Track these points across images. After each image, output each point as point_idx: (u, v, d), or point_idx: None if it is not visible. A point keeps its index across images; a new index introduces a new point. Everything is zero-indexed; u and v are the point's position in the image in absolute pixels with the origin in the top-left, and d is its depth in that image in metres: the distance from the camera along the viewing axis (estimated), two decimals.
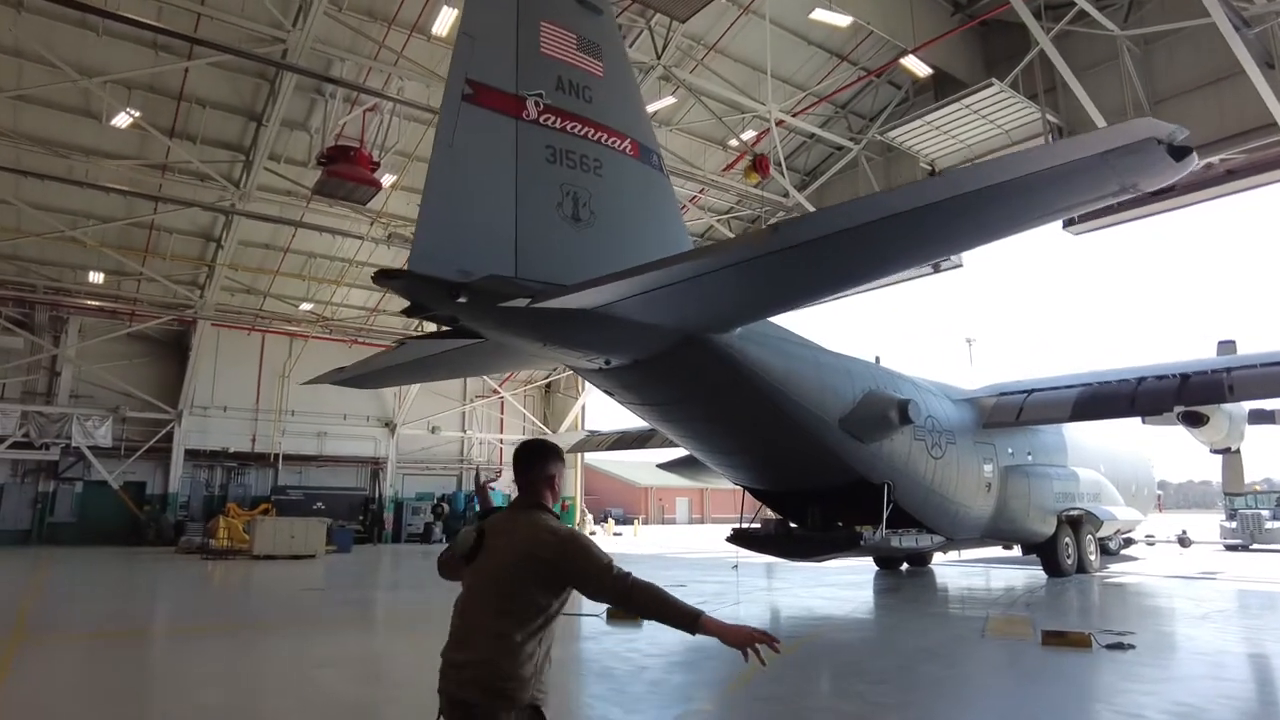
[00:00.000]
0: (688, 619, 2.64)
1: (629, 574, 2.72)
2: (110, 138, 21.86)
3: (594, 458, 68.24)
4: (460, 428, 37.40)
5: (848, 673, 7.01)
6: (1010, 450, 14.96)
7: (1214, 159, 17.12)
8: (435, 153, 8.56)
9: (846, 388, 11.82)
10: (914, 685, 6.43)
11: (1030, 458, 15.53)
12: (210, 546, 24.11)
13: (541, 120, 8.73)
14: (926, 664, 7.32)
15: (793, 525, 14.18)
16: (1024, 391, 14.76)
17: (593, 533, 46.85)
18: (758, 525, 13.78)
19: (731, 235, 29.24)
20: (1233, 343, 16.62)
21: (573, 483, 39.24)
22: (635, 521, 55.22)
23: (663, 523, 68.77)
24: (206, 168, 22.66)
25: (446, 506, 34.27)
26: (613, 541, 38.25)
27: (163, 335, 30.59)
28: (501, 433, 38.29)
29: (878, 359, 14.45)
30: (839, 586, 14.98)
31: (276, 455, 32.15)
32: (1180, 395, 12.84)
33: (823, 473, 12.30)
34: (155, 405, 29.64)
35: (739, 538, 13.52)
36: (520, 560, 2.71)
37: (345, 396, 33.63)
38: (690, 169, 24.20)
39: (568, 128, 8.99)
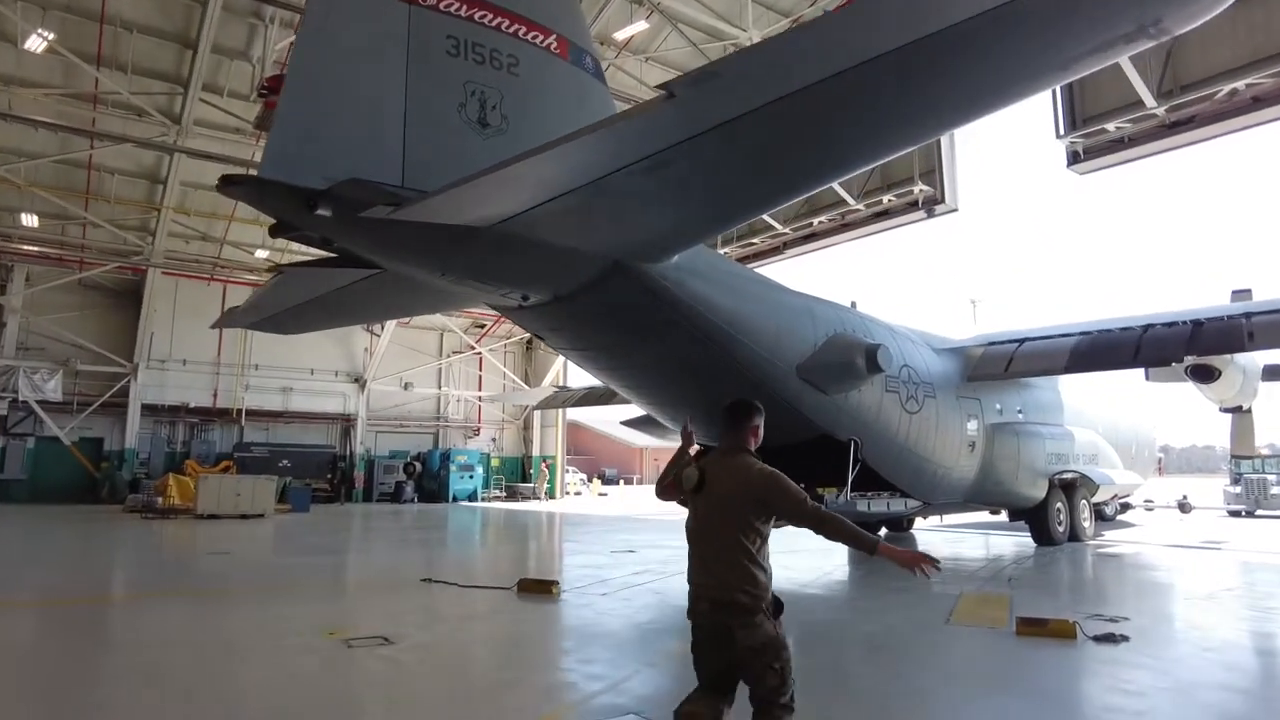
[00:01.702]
0: (868, 545, 3.26)
1: (820, 507, 3.36)
2: (29, 65, 20.04)
3: (589, 418, 67.33)
4: (436, 384, 36.01)
5: None
6: (998, 406, 13.44)
7: (1239, 84, 15.27)
8: (302, 38, 7.04)
9: (807, 331, 10.28)
10: (829, 697, 4.99)
11: (1021, 415, 14.02)
12: (158, 505, 22.87)
13: (442, 6, 7.23)
14: (863, 663, 5.91)
15: None
16: (1015, 341, 13.20)
17: (578, 493, 45.81)
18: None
19: None
20: (1248, 291, 14.98)
21: (554, 441, 37.93)
22: (621, 482, 54.07)
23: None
24: (140, 100, 20.90)
25: (419, 465, 33.08)
26: (593, 502, 37.08)
27: (116, 285, 29.05)
28: (480, 390, 36.91)
29: (853, 304, 12.89)
30: (806, 554, 13.61)
31: (240, 411, 30.79)
32: (1192, 344, 11.28)
33: (780, 428, 10.78)
34: (109, 358, 28.23)
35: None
36: (739, 494, 3.34)
37: (312, 351, 32.31)
38: None
39: (476, 16, 7.51)
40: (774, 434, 10.62)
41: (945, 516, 16.75)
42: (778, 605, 3.31)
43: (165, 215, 25.45)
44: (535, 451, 37.97)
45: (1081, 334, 12.54)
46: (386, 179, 6.58)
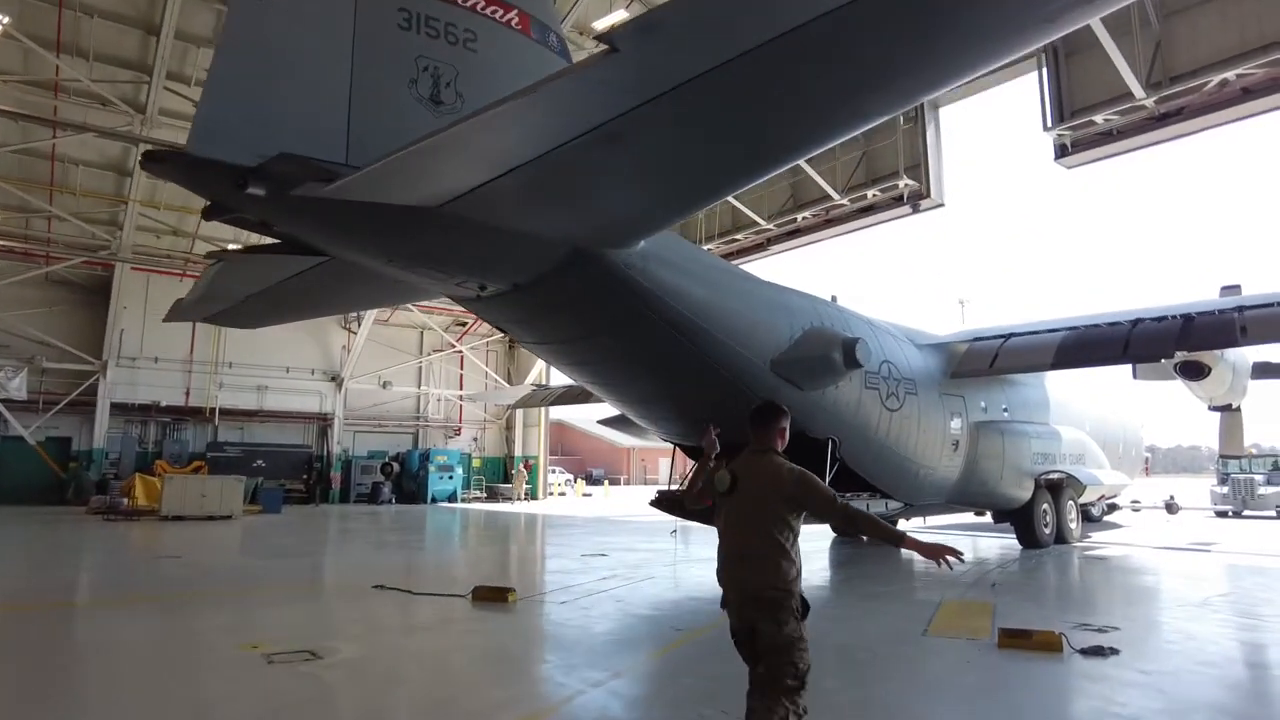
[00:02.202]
0: (895, 538, 3.47)
1: (848, 504, 3.58)
2: None
3: (576, 418, 66.65)
4: (416, 383, 35.36)
5: (710, 690, 5.07)
6: (983, 404, 12.99)
7: (1229, 74, 14.92)
8: (235, 4, 6.51)
9: (782, 324, 9.79)
10: None
11: (1006, 413, 13.58)
12: (122, 507, 22.17)
13: None
14: (830, 677, 5.40)
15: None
16: (1000, 336, 12.75)
17: (562, 494, 45.22)
18: (683, 488, 11.81)
19: None
20: (1238, 287, 14.61)
21: (536, 441, 37.35)
22: (606, 483, 53.51)
23: (645, 483, 67.32)
24: (103, 88, 20.22)
25: (396, 466, 32.40)
26: (576, 503, 36.50)
27: (85, 281, 28.27)
28: (461, 389, 36.28)
29: (833, 298, 12.42)
30: None
31: (213, 410, 30.05)
32: (1182, 339, 10.85)
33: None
34: (77, 356, 27.43)
35: (663, 502, 11.59)
36: (771, 492, 3.48)
37: (287, 348, 31.65)
38: None
39: None
40: (743, 431, 10.18)
41: (929, 518, 16.30)
42: (804, 606, 3.43)
43: (133, 209, 24.75)
44: (518, 452, 37.36)
45: (1069, 329, 12.11)
46: (329, 158, 6.09)
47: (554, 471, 53.37)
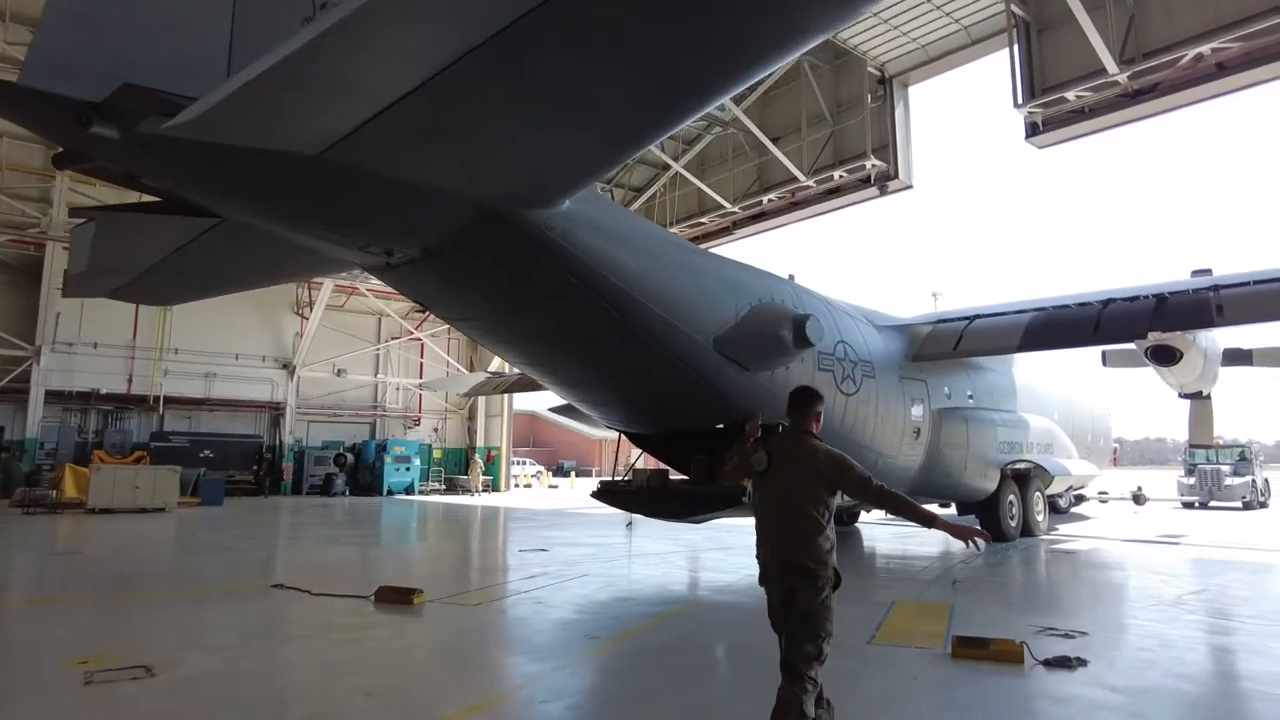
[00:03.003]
0: (925, 518, 3.66)
1: (883, 486, 3.70)
2: None
3: (548, 409, 65.64)
4: (373, 371, 34.19)
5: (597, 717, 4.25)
6: (946, 390, 12.29)
7: (1204, 48, 14.32)
8: None
9: (727, 299, 8.96)
10: None
11: (971, 400, 12.90)
12: (49, 500, 20.88)
13: None
14: (751, 700, 4.59)
15: (680, 478, 11.55)
16: (965, 318, 12.05)
17: (528, 486, 44.25)
18: (628, 478, 10.99)
19: (666, 155, 26.07)
20: (1208, 271, 14.02)
21: (499, 432, 36.35)
22: (573, 474, 52.67)
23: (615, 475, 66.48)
24: (19, 51, 18.82)
25: (350, 457, 31.23)
26: (539, 495, 35.53)
27: (15, 261, 26.74)
28: (421, 377, 35.14)
29: (791, 277, 11.63)
30: (740, 551, 12.37)
31: (157, 398, 28.68)
32: (1156, 319, 10.22)
33: (700, 410, 9.53)
34: (7, 340, 25.95)
35: (606, 493, 10.76)
36: (809, 472, 3.63)
37: (236, 334, 30.40)
38: None
39: None
40: (690, 416, 9.29)
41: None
42: (837, 578, 3.61)
43: (62, 184, 23.35)
44: (480, 442, 36.33)
45: (1037, 310, 11.44)
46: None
47: (524, 463, 52.51)
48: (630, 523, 15.22)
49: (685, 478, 11.06)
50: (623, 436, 11.50)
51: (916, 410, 11.38)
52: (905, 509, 3.68)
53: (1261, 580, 9.36)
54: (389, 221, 6.81)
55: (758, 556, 3.76)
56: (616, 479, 11.27)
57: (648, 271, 8.15)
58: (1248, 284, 10.05)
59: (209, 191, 6.27)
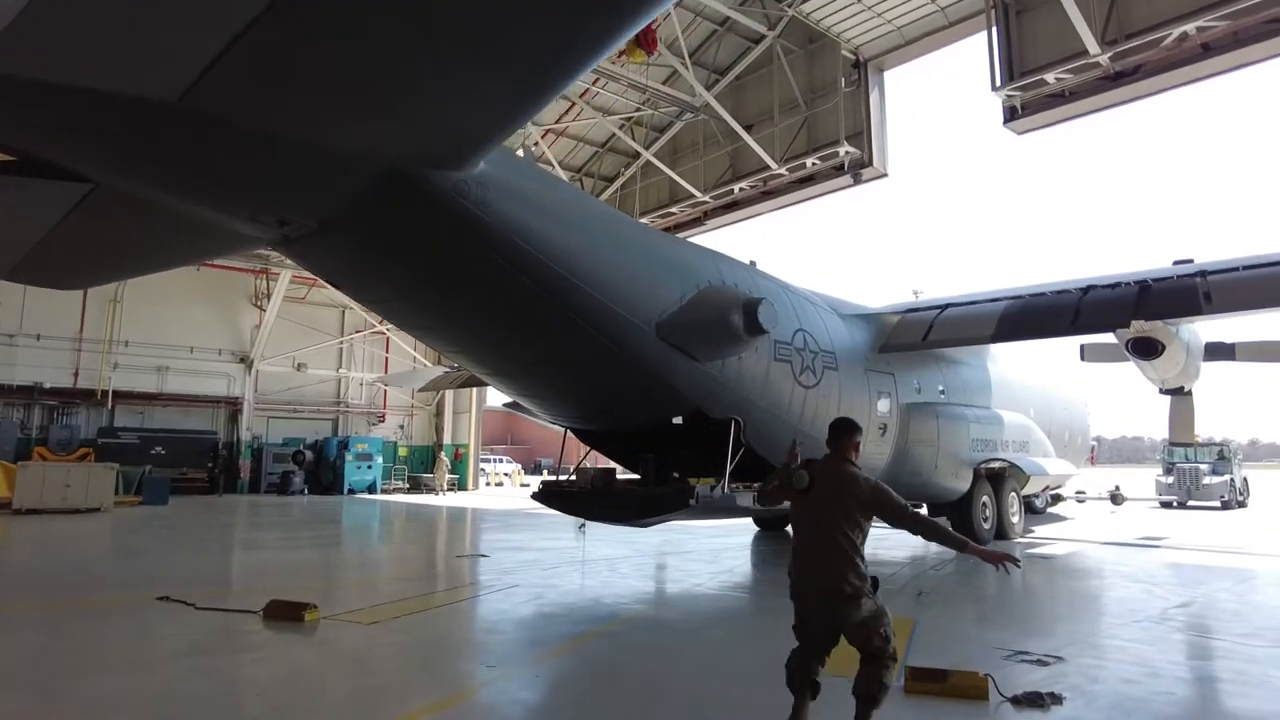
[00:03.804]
0: (957, 544, 3.85)
1: (919, 513, 3.98)
2: None
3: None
4: (336, 366, 33.07)
5: None
6: (916, 384, 11.52)
7: (1189, 27, 13.64)
8: None
9: (672, 280, 8.11)
10: None
11: (943, 394, 12.14)
12: None
13: None
14: None
15: (632, 477, 10.72)
16: (937, 307, 11.28)
17: (499, 484, 43.22)
18: (572, 478, 10.11)
19: (636, 143, 25.21)
20: (1190, 261, 13.40)
21: (467, 429, 35.33)
22: (545, 472, 51.72)
23: None
24: None
25: (309, 454, 30.12)
26: (507, 494, 34.54)
27: None
28: (386, 372, 34.02)
29: (753, 263, 10.80)
30: (695, 556, 11.56)
31: (106, 393, 27.43)
32: (1140, 308, 9.49)
33: (645, 404, 8.68)
34: None
35: (547, 495, 9.88)
36: (848, 498, 3.83)
37: (191, 327, 29.25)
38: None
39: None
40: (636, 411, 8.42)
41: None
42: (874, 582, 3.85)
43: None
44: (447, 439, 35.31)
45: (1012, 298, 10.69)
46: None
47: (501, 461, 51.34)
48: (583, 525, 14.33)
49: (636, 477, 10.23)
50: (570, 433, 10.62)
51: (883, 405, 10.59)
52: (939, 535, 3.84)
53: (1249, 590, 8.65)
54: (274, 186, 5.90)
55: (790, 573, 3.94)
56: (560, 479, 10.39)
57: (580, 247, 7.28)
58: (1236, 269, 9.35)
59: (57, 144, 5.34)
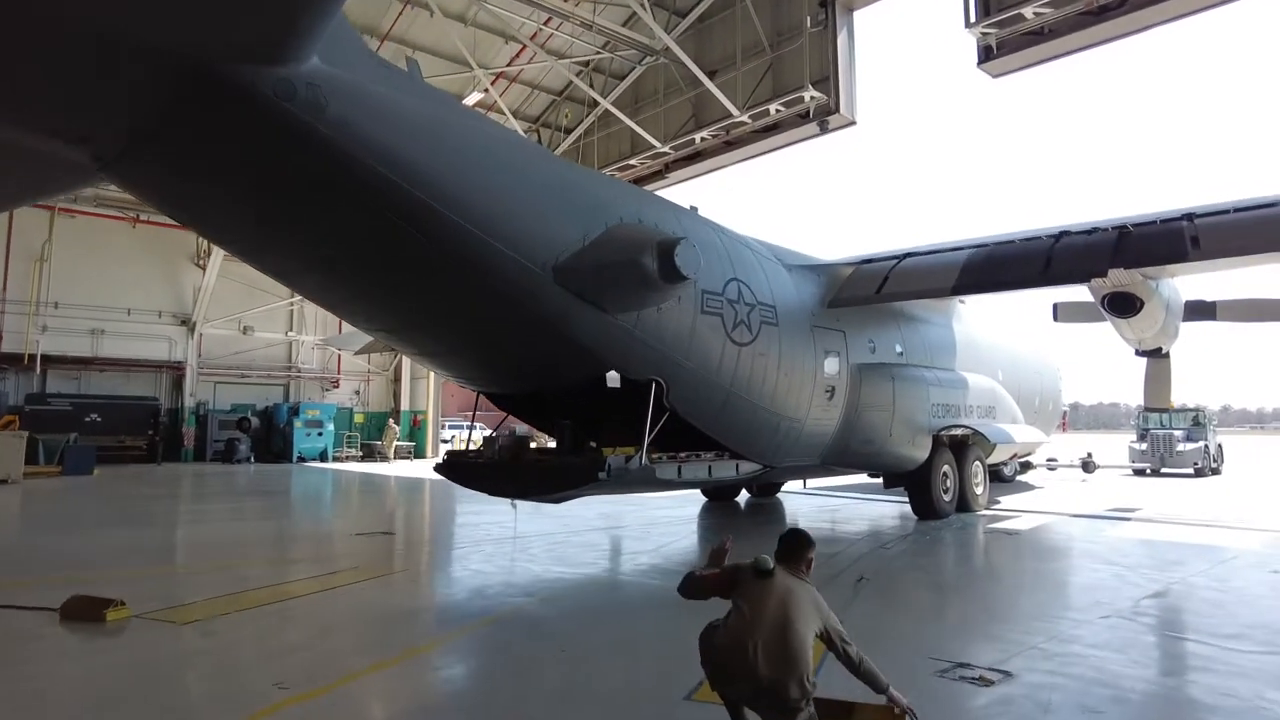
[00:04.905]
0: (881, 686, 3.34)
1: (859, 652, 3.38)
2: None
3: None
4: (286, 329, 31.58)
5: None
6: (870, 342, 10.40)
7: None
8: None
9: (572, 217, 6.87)
10: None
11: (901, 355, 11.04)
12: None
13: None
14: None
15: (549, 446, 9.63)
16: (895, 257, 10.13)
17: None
18: (480, 449, 8.95)
19: (595, 92, 23.68)
20: None
21: (425, 394, 34.03)
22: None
23: None
24: None
25: (255, 420, 28.80)
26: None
27: None
28: (341, 335, 32.53)
29: (694, 209, 9.56)
30: (626, 532, 10.51)
31: (34, 357, 25.83)
32: (1119, 254, 8.39)
33: (551, 362, 7.50)
34: None
35: (449, 467, 8.72)
36: (808, 604, 3.35)
37: (127, 287, 27.69)
38: None
39: None
40: (543, 370, 7.12)
41: (809, 480, 13.88)
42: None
43: None
44: (405, 406, 34.03)
45: (977, 246, 9.56)
46: None
47: (476, 428, 49.82)
48: (515, 502, 13.25)
49: (551, 447, 9.11)
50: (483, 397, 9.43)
51: (831, 365, 9.47)
52: (867, 676, 3.34)
53: (1229, 574, 7.69)
54: (60, 88, 4.67)
55: (711, 654, 3.34)
56: (469, 450, 9.23)
57: (451, 169, 6.01)
58: (1228, 212, 8.25)
59: None
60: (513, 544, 9.37)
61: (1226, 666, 4.62)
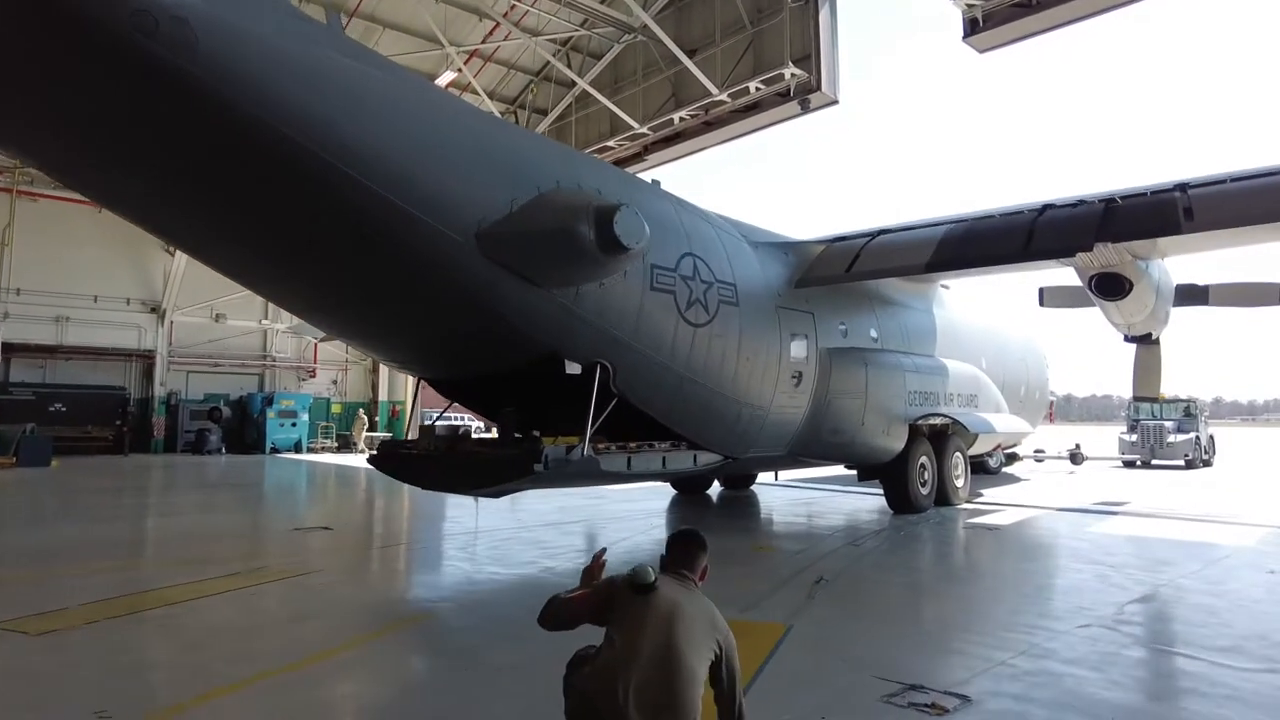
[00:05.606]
0: None
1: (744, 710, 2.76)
2: None
3: None
4: (260, 317, 30.79)
5: None
6: (841, 325, 9.75)
7: None
8: None
9: (498, 180, 6.18)
10: None
11: (875, 339, 10.39)
12: None
13: None
14: None
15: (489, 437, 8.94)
16: (868, 235, 9.47)
17: None
18: (414, 440, 8.27)
19: (573, 72, 22.92)
20: None
21: (403, 385, 33.26)
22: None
23: None
24: None
25: (226, 410, 28.07)
26: None
27: None
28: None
29: (656, 183, 8.90)
30: (575, 531, 9.87)
31: None
32: (1106, 227, 7.75)
33: (480, 342, 6.83)
34: None
35: (383, 459, 8.04)
36: (702, 624, 2.70)
37: (94, 274, 26.90)
38: None
39: None
40: (472, 352, 6.34)
41: (782, 472, 13.24)
42: None
43: None
44: (383, 396, 33.30)
45: (955, 222, 8.91)
46: None
47: (463, 419, 49.11)
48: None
49: (491, 437, 8.44)
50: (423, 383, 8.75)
51: (798, 349, 8.81)
52: None
53: (1222, 575, 7.09)
54: None
55: (585, 689, 2.56)
56: (406, 440, 8.56)
57: (355, 124, 5.32)
58: (1223, 182, 7.62)
59: None
60: (457, 540, 8.71)
61: (1218, 688, 4.00)
